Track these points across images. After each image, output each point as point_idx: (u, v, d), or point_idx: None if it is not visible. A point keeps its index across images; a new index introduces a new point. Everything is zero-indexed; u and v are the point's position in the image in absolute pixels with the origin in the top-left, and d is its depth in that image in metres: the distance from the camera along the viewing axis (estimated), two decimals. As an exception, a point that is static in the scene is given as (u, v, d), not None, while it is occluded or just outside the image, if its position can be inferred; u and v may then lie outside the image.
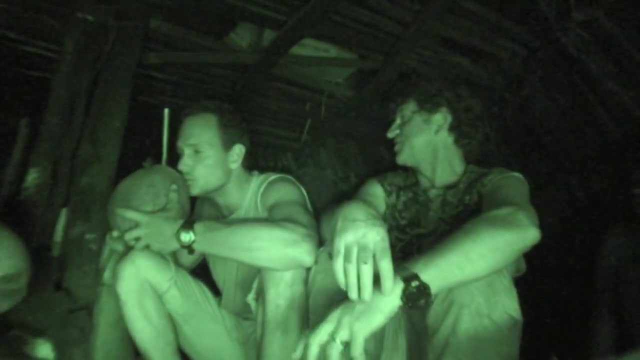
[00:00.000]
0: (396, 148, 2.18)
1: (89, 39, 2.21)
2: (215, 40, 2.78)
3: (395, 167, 2.25)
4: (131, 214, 1.85)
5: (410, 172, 2.25)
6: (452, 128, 2.12)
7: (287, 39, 2.67)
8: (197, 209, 2.45)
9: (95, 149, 2.09)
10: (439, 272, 1.33)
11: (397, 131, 2.18)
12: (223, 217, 2.27)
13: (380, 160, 3.81)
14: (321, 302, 1.60)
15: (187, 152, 2.11)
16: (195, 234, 1.79)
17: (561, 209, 2.85)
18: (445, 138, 2.12)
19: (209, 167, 2.13)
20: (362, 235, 1.30)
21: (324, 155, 4.07)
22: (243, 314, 2.27)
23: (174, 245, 1.82)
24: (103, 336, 2.13)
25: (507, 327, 1.42)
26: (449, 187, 2.07)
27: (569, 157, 2.79)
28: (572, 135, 2.73)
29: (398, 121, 2.19)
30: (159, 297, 2.04)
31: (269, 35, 2.74)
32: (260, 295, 1.80)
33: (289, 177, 2.24)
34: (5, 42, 2.61)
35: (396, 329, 1.78)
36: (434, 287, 1.32)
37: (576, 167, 2.77)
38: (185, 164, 2.10)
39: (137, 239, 1.86)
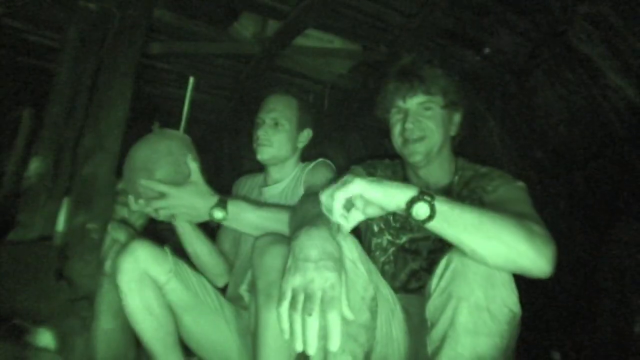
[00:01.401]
0: (416, 147, 1.94)
1: (92, 28, 2.20)
2: (218, 30, 2.77)
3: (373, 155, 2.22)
4: (162, 188, 1.93)
5: (398, 165, 2.15)
6: (459, 128, 2.03)
7: (291, 30, 2.67)
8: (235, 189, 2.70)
9: (97, 138, 2.08)
10: (449, 214, 1.34)
11: (416, 124, 1.94)
12: (266, 186, 2.52)
13: (384, 153, 3.81)
14: None
15: (268, 122, 2.39)
16: (227, 213, 1.96)
17: (563, 204, 2.84)
18: (450, 137, 2.04)
19: (283, 140, 2.41)
20: (309, 281, 1.22)
21: (327, 147, 4.06)
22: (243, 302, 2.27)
23: (204, 219, 1.99)
24: (105, 325, 2.14)
25: (506, 321, 1.41)
26: (443, 189, 2.00)
27: (573, 151, 2.78)
28: (576, 130, 2.72)
29: (414, 111, 1.95)
30: (159, 289, 2.05)
31: (272, 25, 2.74)
32: (253, 286, 1.80)
33: (331, 163, 2.48)
34: (9, 31, 2.60)
35: (390, 320, 1.76)
36: (435, 221, 1.35)
37: (579, 162, 2.76)
38: (265, 131, 2.37)
39: (163, 209, 1.96)
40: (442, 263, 1.48)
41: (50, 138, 2.05)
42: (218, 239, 2.44)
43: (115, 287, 2.00)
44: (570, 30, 2.48)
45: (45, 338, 1.72)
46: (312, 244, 1.32)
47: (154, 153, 1.94)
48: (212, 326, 2.24)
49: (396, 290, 1.87)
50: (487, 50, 2.83)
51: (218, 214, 1.94)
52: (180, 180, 1.96)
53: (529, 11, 2.55)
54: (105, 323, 2.14)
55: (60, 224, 2.01)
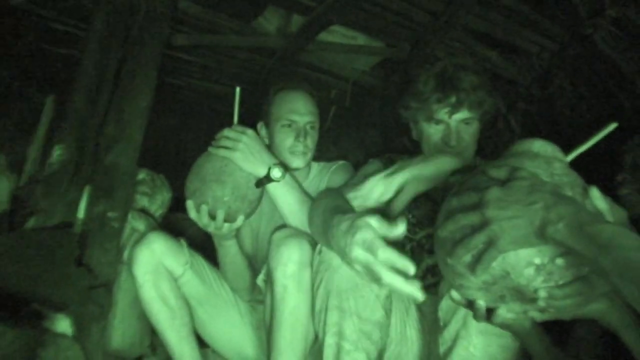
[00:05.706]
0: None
1: (117, 18, 2.21)
2: (243, 24, 2.77)
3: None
4: (242, 128, 1.97)
5: None
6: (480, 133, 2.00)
7: (315, 25, 2.66)
8: None
9: (120, 128, 2.10)
10: None
11: (458, 140, 1.91)
12: None
13: (403, 151, 3.79)
14: (323, 294, 1.59)
15: (309, 129, 2.19)
16: (281, 178, 1.89)
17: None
18: None
19: (315, 143, 2.23)
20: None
21: (347, 143, 4.05)
22: (257, 296, 2.28)
23: (259, 172, 1.90)
24: (122, 313, 2.16)
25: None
26: None
27: (595, 155, 2.74)
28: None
29: (455, 126, 1.91)
30: (175, 280, 2.07)
31: (297, 20, 2.74)
32: (269, 278, 1.81)
33: (352, 167, 2.34)
34: (35, 19, 2.63)
35: (404, 319, 1.77)
36: None
37: (603, 167, 2.73)
38: (305, 138, 2.16)
39: (228, 148, 1.92)
40: None
41: (73, 126, 2.06)
42: (238, 236, 2.35)
43: (132, 277, 2.02)
44: (596, 32, 2.46)
45: (63, 324, 1.73)
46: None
47: (226, 166, 1.92)
48: (227, 319, 2.25)
49: None
50: (511, 51, 2.81)
51: (277, 173, 1.88)
52: (249, 195, 1.93)
53: (555, 13, 2.53)
54: (122, 311, 2.16)
55: (81, 211, 2.03)
